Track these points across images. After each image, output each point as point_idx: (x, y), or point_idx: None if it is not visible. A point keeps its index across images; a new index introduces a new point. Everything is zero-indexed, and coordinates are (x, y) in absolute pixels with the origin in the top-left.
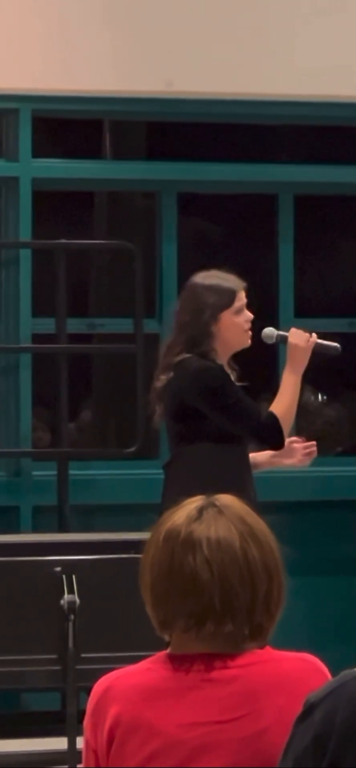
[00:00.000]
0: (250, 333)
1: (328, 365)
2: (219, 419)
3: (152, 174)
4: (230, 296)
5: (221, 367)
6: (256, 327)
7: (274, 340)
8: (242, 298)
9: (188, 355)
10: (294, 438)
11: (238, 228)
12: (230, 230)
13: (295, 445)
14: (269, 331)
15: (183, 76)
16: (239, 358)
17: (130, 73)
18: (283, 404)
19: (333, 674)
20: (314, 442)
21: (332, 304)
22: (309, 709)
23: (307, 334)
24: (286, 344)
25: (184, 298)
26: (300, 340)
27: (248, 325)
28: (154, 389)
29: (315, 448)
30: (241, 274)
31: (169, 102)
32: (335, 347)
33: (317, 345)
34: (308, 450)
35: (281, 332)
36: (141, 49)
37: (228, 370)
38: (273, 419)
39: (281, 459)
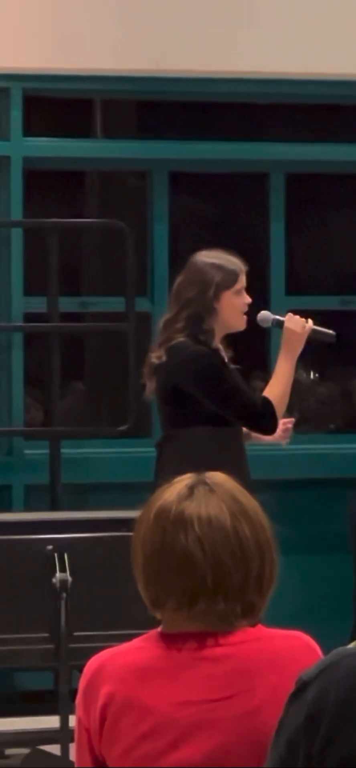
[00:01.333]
0: (246, 317)
1: (320, 343)
2: (215, 405)
3: (144, 153)
4: (233, 277)
5: (217, 353)
6: (249, 307)
7: (270, 324)
8: (243, 281)
9: (182, 340)
10: (286, 420)
11: (229, 206)
12: (222, 209)
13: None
14: (265, 315)
15: (174, 54)
16: (232, 337)
17: (121, 52)
18: (277, 390)
19: (325, 652)
20: (291, 419)
21: (323, 282)
22: (302, 687)
23: (303, 320)
24: (282, 329)
25: (188, 275)
26: (296, 326)
27: (245, 308)
28: (148, 362)
29: (290, 425)
30: (233, 252)
31: (160, 80)
32: (330, 334)
33: (313, 331)
34: (284, 427)
35: (277, 316)
36: (132, 28)
37: (223, 353)
38: (268, 405)
39: (259, 436)
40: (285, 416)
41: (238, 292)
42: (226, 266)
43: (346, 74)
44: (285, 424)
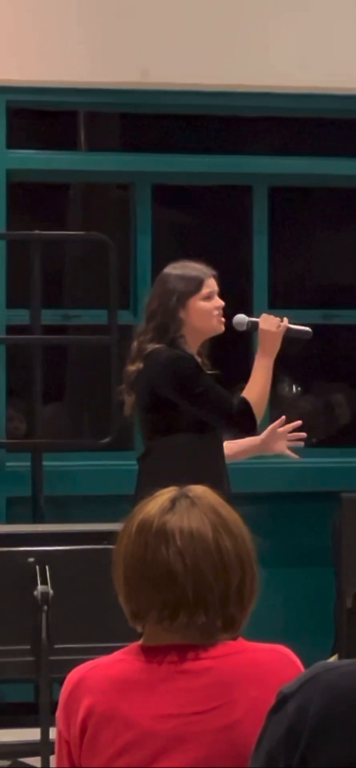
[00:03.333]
0: (222, 319)
1: (303, 357)
2: (190, 408)
3: (127, 165)
4: (197, 283)
5: (191, 356)
6: (231, 318)
7: (245, 327)
8: (210, 285)
9: (158, 345)
10: (276, 423)
11: (212, 219)
12: (205, 221)
13: (279, 430)
14: (240, 318)
15: (158, 67)
16: (212, 345)
17: (104, 65)
18: (255, 389)
19: (306, 666)
20: (303, 434)
21: (306, 296)
22: (282, 701)
23: (278, 319)
24: (257, 330)
25: (154, 288)
26: (271, 325)
27: (217, 312)
28: (125, 375)
29: (300, 434)
30: (215, 265)
31: (143, 93)
32: (306, 331)
33: (288, 330)
34: (293, 437)
35: (252, 318)
36: (116, 41)
37: (199, 359)
38: (245, 404)
39: (268, 446)
40: (268, 422)
41: (206, 297)
42: (187, 274)
43: (331, 88)
44: (294, 435)
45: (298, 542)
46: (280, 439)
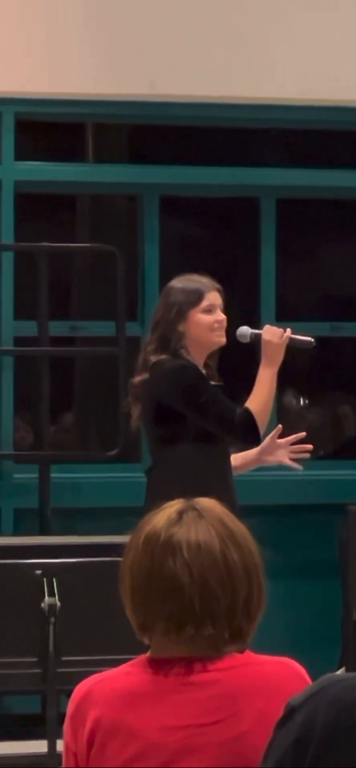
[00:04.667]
0: (222, 333)
1: (310, 369)
2: (194, 417)
3: (135, 177)
4: (197, 295)
5: (194, 366)
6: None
7: (248, 339)
8: (212, 299)
9: (163, 356)
10: (273, 432)
11: (220, 231)
12: (213, 233)
13: (278, 440)
14: (243, 330)
15: (166, 79)
16: (220, 359)
17: (112, 77)
18: (258, 400)
19: (313, 678)
20: (303, 434)
21: (314, 308)
22: (290, 713)
23: (281, 330)
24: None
25: (159, 299)
26: (274, 336)
27: (218, 325)
28: (131, 387)
29: (306, 446)
30: (223, 277)
31: (151, 105)
32: (309, 341)
33: (291, 340)
34: (298, 449)
35: (255, 330)
36: (124, 53)
37: (204, 370)
38: (248, 415)
39: (266, 456)
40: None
41: (206, 310)
42: (189, 286)
43: (338, 100)
44: (297, 447)
45: (305, 554)
46: (279, 449)
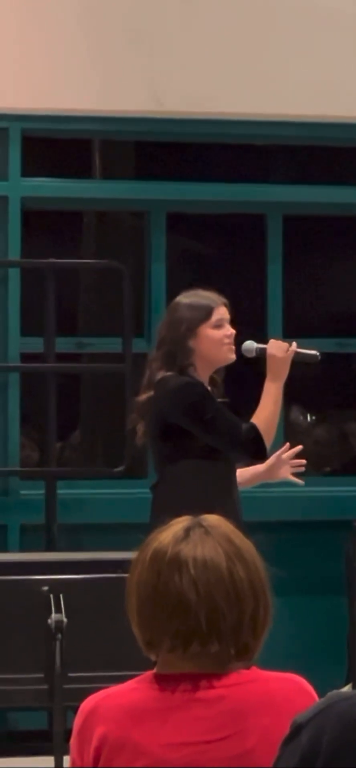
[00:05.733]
0: (232, 348)
1: (317, 385)
2: (200, 434)
3: (141, 193)
4: (206, 311)
5: (200, 382)
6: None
7: (254, 354)
8: (221, 314)
9: (168, 373)
10: (281, 450)
11: (227, 248)
12: (219, 250)
13: (284, 456)
14: (248, 345)
15: (172, 95)
16: (225, 374)
17: (119, 93)
18: (264, 415)
19: (320, 695)
20: (299, 447)
21: (320, 324)
22: (296, 730)
23: (286, 344)
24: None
25: (165, 315)
26: (279, 350)
27: (228, 340)
28: (136, 404)
29: (300, 461)
30: (230, 293)
31: (158, 122)
32: (314, 355)
33: (296, 354)
34: (296, 463)
35: (260, 345)
36: (130, 69)
37: (209, 386)
38: (254, 430)
39: (273, 473)
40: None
41: (216, 326)
42: (197, 302)
43: (345, 117)
44: (295, 463)
45: (312, 571)
46: (284, 465)
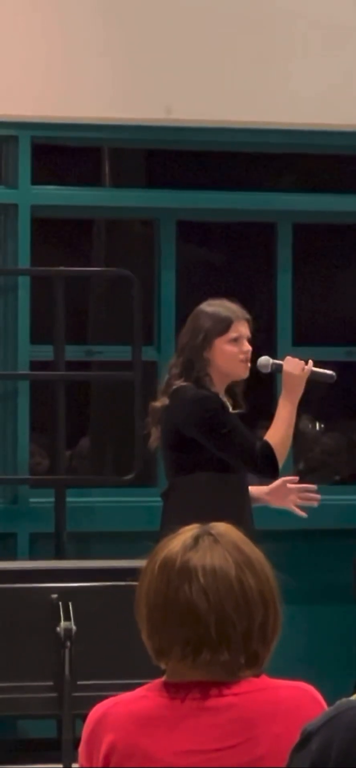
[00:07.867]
0: (247, 365)
1: (326, 394)
2: (214, 449)
3: (151, 202)
4: (225, 324)
5: (216, 396)
6: (255, 356)
7: (269, 369)
8: (239, 329)
9: (184, 384)
10: (288, 478)
11: (237, 256)
12: (229, 258)
13: (289, 485)
14: (264, 360)
15: (183, 103)
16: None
17: (129, 101)
18: (278, 434)
19: (329, 703)
20: (314, 486)
21: (330, 333)
22: (306, 738)
23: (302, 362)
24: (282, 373)
25: (188, 321)
26: (295, 368)
27: (244, 357)
28: (151, 410)
29: (315, 495)
30: (240, 301)
31: (168, 130)
32: (330, 375)
33: (312, 373)
34: (305, 496)
35: (276, 361)
36: (140, 77)
37: (227, 397)
38: (268, 449)
39: (274, 499)
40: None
41: (233, 341)
42: (218, 314)
43: (355, 125)
44: (304, 491)
45: (321, 579)
46: (289, 495)
